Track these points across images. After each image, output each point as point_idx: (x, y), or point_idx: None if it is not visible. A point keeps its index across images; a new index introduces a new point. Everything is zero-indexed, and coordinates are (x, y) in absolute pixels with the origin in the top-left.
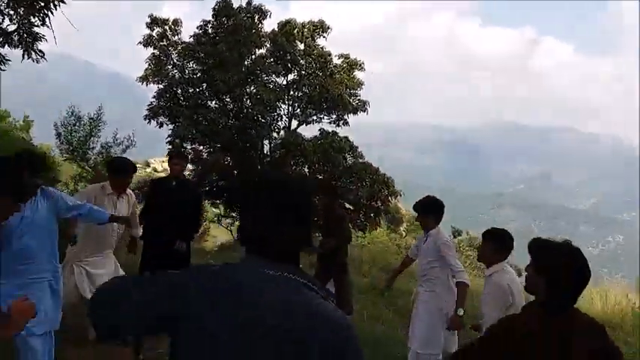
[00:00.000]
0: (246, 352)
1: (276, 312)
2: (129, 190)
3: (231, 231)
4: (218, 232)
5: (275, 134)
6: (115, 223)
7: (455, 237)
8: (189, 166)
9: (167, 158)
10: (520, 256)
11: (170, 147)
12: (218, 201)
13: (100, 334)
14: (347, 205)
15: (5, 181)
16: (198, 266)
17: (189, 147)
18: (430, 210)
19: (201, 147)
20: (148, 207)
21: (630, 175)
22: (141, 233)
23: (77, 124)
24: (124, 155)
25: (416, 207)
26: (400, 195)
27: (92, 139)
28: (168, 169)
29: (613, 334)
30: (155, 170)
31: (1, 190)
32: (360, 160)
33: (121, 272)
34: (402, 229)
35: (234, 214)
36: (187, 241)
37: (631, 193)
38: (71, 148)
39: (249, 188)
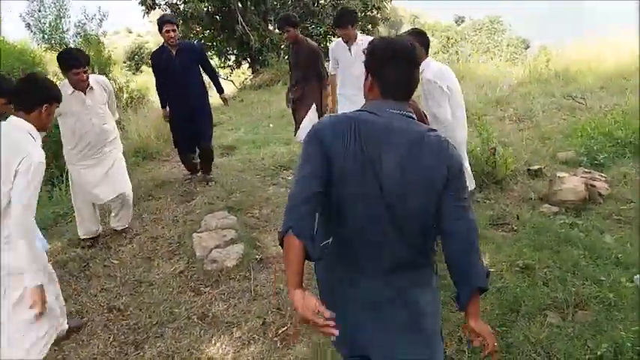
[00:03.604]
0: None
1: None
2: (101, 78)
3: (232, 81)
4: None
5: None
6: (94, 119)
7: (458, 25)
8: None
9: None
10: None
11: (144, 8)
12: (211, 52)
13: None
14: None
15: None
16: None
17: (162, 3)
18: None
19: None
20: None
21: None
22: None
23: (41, 9)
24: (101, 30)
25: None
26: None
27: (62, 20)
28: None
29: (627, 85)
30: (140, 35)
31: None
32: None
33: (122, 167)
34: (402, 31)
35: (230, 63)
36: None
37: None
38: (45, 36)
39: (383, 52)
